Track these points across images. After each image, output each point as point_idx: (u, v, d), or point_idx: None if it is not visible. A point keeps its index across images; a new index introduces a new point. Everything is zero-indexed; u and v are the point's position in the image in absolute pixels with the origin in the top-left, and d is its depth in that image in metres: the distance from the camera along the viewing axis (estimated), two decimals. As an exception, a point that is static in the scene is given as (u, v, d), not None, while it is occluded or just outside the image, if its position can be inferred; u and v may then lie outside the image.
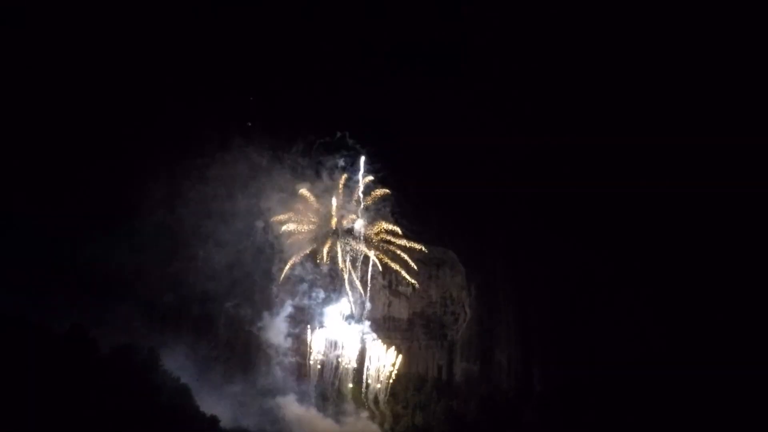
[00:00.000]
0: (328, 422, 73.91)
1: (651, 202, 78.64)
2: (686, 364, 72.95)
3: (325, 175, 74.47)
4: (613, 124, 78.26)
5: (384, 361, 75.90)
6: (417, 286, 78.76)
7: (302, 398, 73.86)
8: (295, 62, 71.64)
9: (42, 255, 66.32)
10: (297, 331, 74.27)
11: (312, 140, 72.96)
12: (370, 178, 76.43)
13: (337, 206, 75.72)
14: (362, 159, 76.25)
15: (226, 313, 72.90)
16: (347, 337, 75.10)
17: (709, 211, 74.65)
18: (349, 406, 75.49)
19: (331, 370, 75.28)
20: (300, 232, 74.79)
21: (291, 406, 73.02)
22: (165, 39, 67.94)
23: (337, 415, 74.58)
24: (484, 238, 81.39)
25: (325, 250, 75.24)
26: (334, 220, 75.62)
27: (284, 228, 74.10)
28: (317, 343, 74.55)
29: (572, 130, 79.81)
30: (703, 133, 72.87)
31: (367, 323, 75.81)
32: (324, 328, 74.84)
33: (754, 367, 69.24)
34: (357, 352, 75.42)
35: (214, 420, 66.93)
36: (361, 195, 76.44)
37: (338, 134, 74.01)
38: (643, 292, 78.21)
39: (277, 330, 73.45)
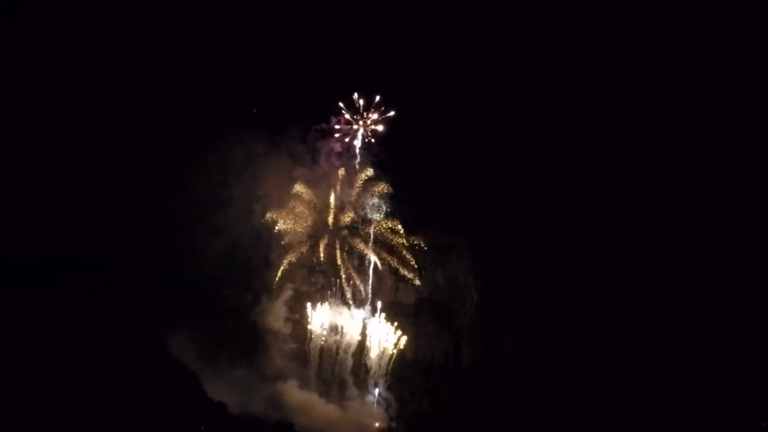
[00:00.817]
0: (330, 408, 74.16)
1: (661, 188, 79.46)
2: (692, 350, 73.71)
3: (322, 159, 74.09)
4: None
5: (386, 345, 75.70)
6: (418, 283, 77.91)
7: (304, 384, 74.27)
8: (288, 47, 71.98)
9: (39, 244, 67.68)
10: (296, 316, 74.49)
11: (308, 126, 72.87)
12: (369, 172, 75.81)
13: (335, 202, 75.26)
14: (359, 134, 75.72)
15: (225, 299, 73.66)
16: (348, 322, 75.06)
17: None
18: (353, 392, 75.67)
19: (332, 355, 75.28)
20: (295, 231, 74.69)
21: (292, 392, 73.42)
22: (160, 27, 68.90)
23: (341, 401, 74.96)
24: (491, 224, 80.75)
25: (322, 247, 74.99)
26: (331, 219, 75.21)
27: (278, 227, 74.05)
28: (317, 327, 74.51)
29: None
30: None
31: (368, 308, 75.71)
32: (324, 313, 74.68)
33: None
34: (358, 337, 75.14)
35: (221, 406, 67.81)
36: (359, 184, 75.90)
37: (333, 120, 73.83)
38: (654, 275, 77.84)
39: (276, 315, 73.79)
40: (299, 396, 73.51)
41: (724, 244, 77.09)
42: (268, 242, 73.35)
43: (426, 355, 79.09)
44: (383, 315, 75.98)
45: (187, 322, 71.53)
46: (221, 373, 71.91)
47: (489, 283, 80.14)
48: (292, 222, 74.52)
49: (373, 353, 75.55)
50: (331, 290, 75.27)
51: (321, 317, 74.47)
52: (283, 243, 74.43)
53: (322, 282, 75.16)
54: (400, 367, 76.85)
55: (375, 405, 75.50)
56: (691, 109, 78.97)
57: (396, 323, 76.19)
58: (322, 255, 75.01)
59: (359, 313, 75.47)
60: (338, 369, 75.57)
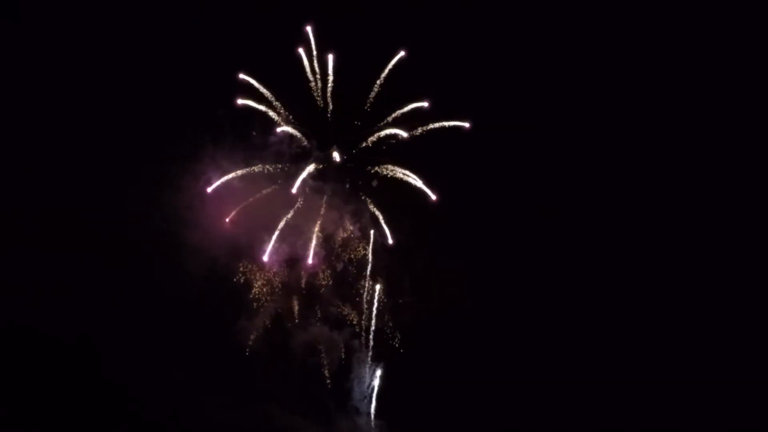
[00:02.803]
0: (316, 429, 74.01)
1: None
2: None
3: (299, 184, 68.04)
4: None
5: (372, 366, 75.20)
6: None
7: (289, 405, 74.22)
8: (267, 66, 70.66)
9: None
10: (279, 335, 73.87)
11: (284, 150, 68.93)
12: (350, 228, 68.89)
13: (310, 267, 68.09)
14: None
15: (207, 318, 73.28)
16: (331, 343, 74.55)
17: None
18: (342, 414, 75.10)
19: (317, 376, 74.67)
20: (272, 290, 70.75)
21: (277, 414, 73.43)
22: (135, 48, 70.09)
23: (330, 424, 74.52)
24: (490, 246, 78.84)
25: (296, 310, 71.55)
26: (303, 281, 69.64)
27: (254, 290, 70.73)
28: (300, 346, 74.08)
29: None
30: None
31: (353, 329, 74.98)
32: (306, 332, 74.09)
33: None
34: (341, 357, 74.53)
35: (220, 427, 68.48)
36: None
37: (307, 144, 67.39)
38: (661, 296, 76.21)
39: (259, 334, 73.04)
40: (284, 419, 73.51)
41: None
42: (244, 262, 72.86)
43: (422, 377, 78.20)
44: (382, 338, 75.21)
45: (170, 342, 72.36)
46: (207, 393, 72.68)
47: (487, 306, 79.29)
48: (267, 281, 70.36)
49: (360, 374, 75.07)
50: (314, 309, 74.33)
51: (303, 336, 74.14)
52: (255, 305, 70.61)
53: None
54: (395, 389, 76.02)
55: (367, 425, 74.87)
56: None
57: (382, 344, 75.26)
58: (296, 316, 72.51)
59: (344, 333, 74.74)
60: (324, 390, 75.22)
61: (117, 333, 70.87)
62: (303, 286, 70.00)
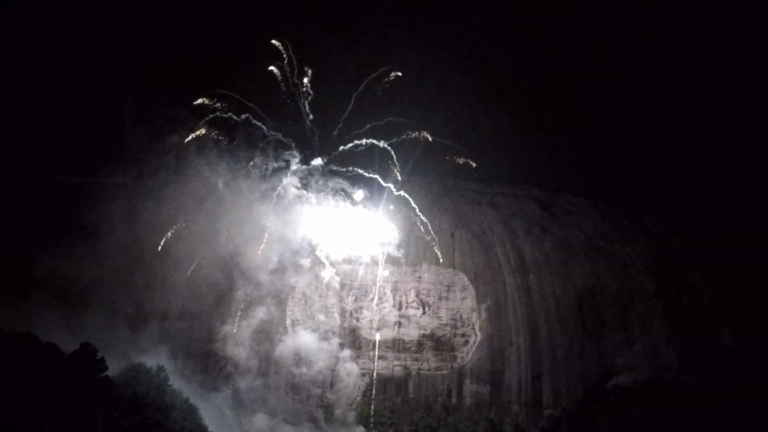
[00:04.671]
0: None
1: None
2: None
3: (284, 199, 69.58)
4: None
5: (356, 381, 74.36)
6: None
7: (278, 414, 73.45)
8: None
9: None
10: (266, 346, 73.37)
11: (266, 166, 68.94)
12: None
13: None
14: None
15: (192, 329, 72.85)
16: (320, 355, 73.74)
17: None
18: (330, 421, 74.27)
19: (305, 383, 74.10)
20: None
21: (265, 423, 72.41)
22: (120, 57, 69.78)
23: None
24: (494, 260, 79.05)
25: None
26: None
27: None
28: (287, 358, 73.44)
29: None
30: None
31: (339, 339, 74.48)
32: (294, 341, 73.57)
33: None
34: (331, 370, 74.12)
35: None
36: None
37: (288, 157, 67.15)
38: (655, 307, 75.28)
39: (245, 346, 72.60)
40: (272, 428, 73.18)
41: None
42: (229, 271, 72.41)
43: (428, 392, 76.78)
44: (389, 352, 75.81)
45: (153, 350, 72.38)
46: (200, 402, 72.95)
47: (492, 320, 77.33)
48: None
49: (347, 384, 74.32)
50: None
51: (291, 348, 73.43)
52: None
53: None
54: (402, 403, 75.60)
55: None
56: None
57: (400, 360, 75.88)
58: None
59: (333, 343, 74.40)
60: (311, 399, 74.43)
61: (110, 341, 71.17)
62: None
